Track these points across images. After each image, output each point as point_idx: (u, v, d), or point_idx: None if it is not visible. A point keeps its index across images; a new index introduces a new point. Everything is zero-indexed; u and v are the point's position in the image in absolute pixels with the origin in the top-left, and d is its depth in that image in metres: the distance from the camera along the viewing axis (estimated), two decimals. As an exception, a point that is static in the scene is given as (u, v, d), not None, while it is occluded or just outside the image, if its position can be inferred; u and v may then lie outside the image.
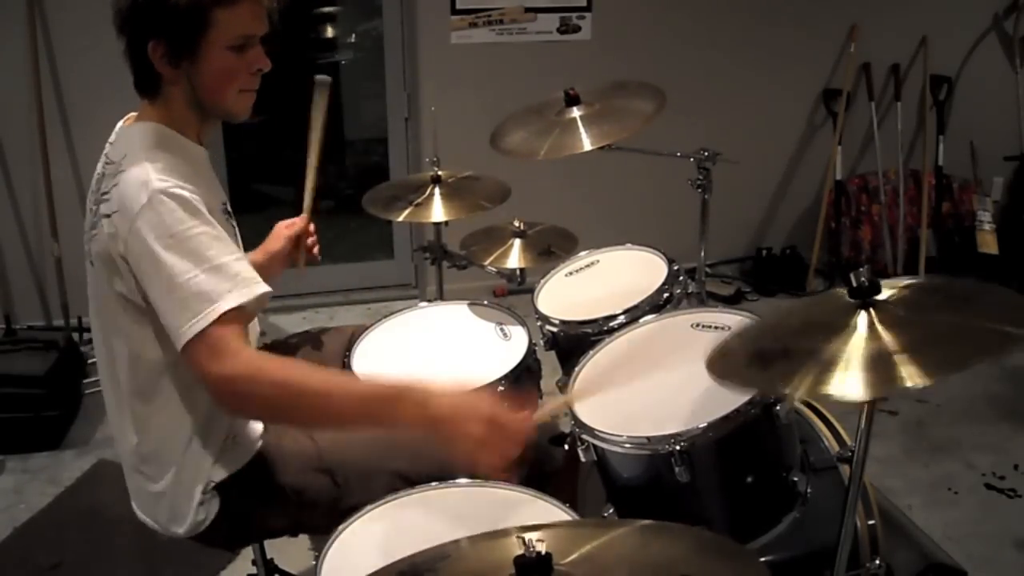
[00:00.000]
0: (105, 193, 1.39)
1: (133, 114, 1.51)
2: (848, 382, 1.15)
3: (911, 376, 1.12)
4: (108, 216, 1.37)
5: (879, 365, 1.15)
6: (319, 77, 1.88)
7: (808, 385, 1.17)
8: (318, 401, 1.34)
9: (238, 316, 1.32)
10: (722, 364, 1.34)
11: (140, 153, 1.38)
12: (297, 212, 1.93)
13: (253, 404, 1.36)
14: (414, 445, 1.68)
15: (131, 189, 1.34)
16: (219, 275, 1.32)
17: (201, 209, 1.35)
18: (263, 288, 1.36)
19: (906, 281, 1.34)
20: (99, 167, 1.47)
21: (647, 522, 1.11)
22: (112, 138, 1.49)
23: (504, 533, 1.07)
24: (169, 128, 1.45)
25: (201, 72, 1.41)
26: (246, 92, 1.47)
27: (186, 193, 1.34)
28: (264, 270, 1.84)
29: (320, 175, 1.93)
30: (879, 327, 1.22)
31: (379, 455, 1.63)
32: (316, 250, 1.94)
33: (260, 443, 1.59)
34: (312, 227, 1.93)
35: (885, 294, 1.28)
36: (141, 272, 1.34)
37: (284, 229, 1.90)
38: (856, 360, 1.17)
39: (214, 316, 1.29)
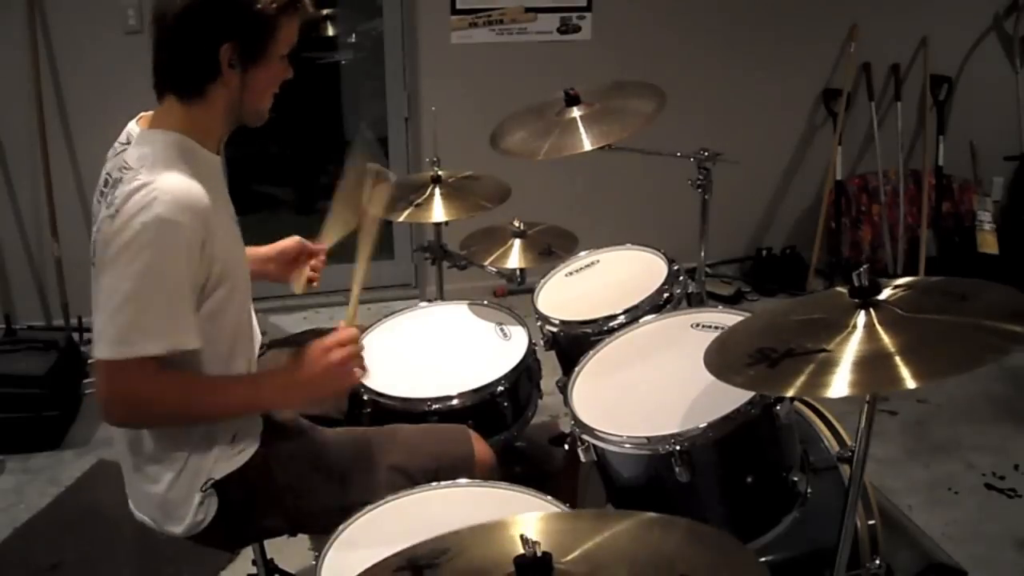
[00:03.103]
0: (117, 197, 1.38)
1: (146, 114, 1.50)
2: (845, 381, 1.15)
3: (908, 378, 1.12)
4: (111, 216, 1.37)
5: (877, 365, 1.16)
6: (377, 168, 1.86)
7: (806, 384, 1.17)
8: (206, 412, 1.49)
9: (155, 359, 1.38)
10: (721, 361, 1.34)
11: (159, 166, 1.38)
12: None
13: (143, 424, 1.49)
14: (411, 440, 1.69)
15: (138, 202, 1.33)
16: (160, 318, 1.36)
17: (183, 246, 1.35)
18: (187, 344, 1.40)
19: (905, 280, 1.35)
20: (110, 169, 1.45)
21: (647, 515, 1.11)
22: (124, 138, 1.48)
23: (504, 525, 1.07)
24: (189, 138, 1.44)
25: (257, 77, 1.44)
26: (273, 99, 1.52)
27: (184, 222, 1.34)
28: (262, 263, 1.84)
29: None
30: (879, 327, 1.22)
31: (376, 451, 1.64)
32: (312, 276, 1.90)
33: (259, 442, 1.59)
34: (323, 259, 1.91)
35: (885, 294, 1.29)
36: (101, 270, 1.37)
37: (296, 243, 1.89)
38: (854, 359, 1.18)
39: (132, 354, 1.35)
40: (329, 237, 1.90)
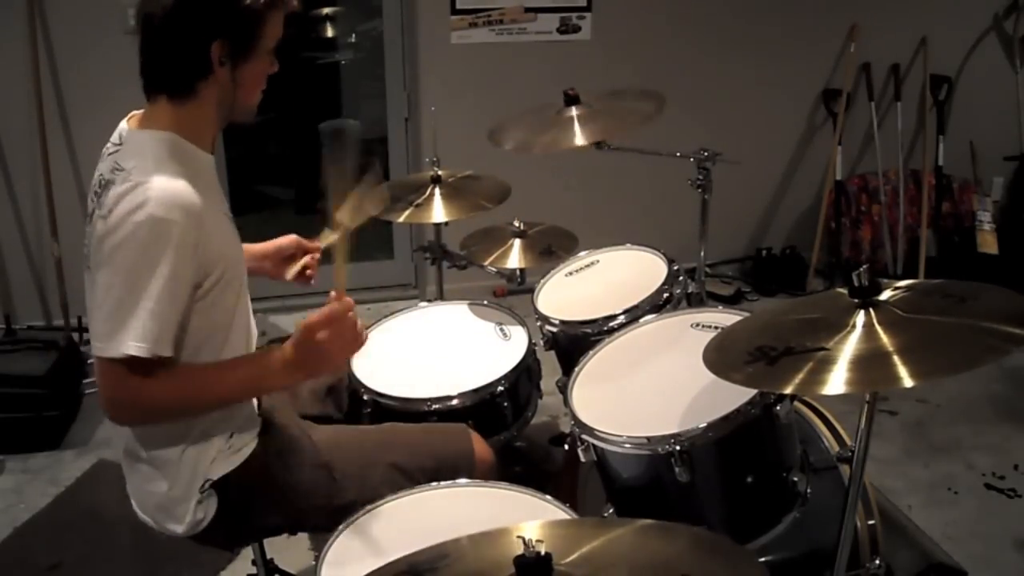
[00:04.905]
0: (110, 198, 1.38)
1: (136, 113, 1.50)
2: (843, 379, 1.15)
3: (905, 376, 1.12)
4: (104, 217, 1.37)
5: (875, 364, 1.16)
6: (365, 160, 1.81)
7: (804, 382, 1.17)
8: (209, 402, 1.48)
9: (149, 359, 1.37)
10: (720, 359, 1.34)
11: (151, 166, 1.38)
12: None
13: (148, 421, 1.49)
14: (410, 439, 1.69)
15: (131, 202, 1.33)
16: (148, 320, 1.35)
17: (176, 245, 1.35)
18: (163, 351, 1.38)
19: (905, 283, 1.35)
20: (103, 170, 1.44)
21: (647, 522, 1.11)
22: (116, 139, 1.47)
23: (504, 532, 1.07)
24: (180, 137, 1.44)
25: (247, 72, 1.44)
26: (262, 94, 1.52)
27: (177, 220, 1.34)
28: (259, 260, 1.83)
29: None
30: (877, 327, 1.22)
31: (375, 448, 1.64)
32: (309, 272, 1.87)
33: (257, 440, 1.59)
34: (317, 256, 1.89)
35: (885, 295, 1.29)
36: (96, 270, 1.38)
37: (292, 240, 1.87)
38: (852, 358, 1.18)
39: (123, 353, 1.34)
40: (325, 238, 1.90)
